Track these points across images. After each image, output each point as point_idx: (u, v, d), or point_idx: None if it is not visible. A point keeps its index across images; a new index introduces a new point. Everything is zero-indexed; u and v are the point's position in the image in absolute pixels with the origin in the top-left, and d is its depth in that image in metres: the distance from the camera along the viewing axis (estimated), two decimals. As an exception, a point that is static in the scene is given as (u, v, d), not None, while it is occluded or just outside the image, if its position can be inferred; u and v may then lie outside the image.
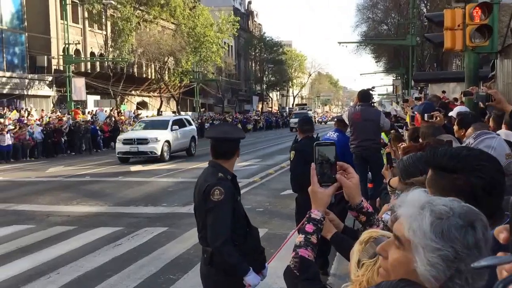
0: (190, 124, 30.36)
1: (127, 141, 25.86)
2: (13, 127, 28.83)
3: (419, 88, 34.98)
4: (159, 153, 25.41)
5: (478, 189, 1.92)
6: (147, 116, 44.43)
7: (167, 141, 26.18)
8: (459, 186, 1.91)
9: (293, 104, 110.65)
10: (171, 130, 26.74)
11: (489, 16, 9.67)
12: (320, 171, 2.24)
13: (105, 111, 41.31)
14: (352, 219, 3.11)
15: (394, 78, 65.00)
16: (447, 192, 1.81)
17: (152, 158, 25.38)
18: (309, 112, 69.44)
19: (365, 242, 1.94)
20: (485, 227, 1.46)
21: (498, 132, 3.89)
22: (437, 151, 2.07)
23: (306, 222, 2.22)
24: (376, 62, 68.97)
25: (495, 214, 1.93)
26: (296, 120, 55.23)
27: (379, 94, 77.35)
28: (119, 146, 26.00)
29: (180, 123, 28.43)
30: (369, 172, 9.82)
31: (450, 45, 9.99)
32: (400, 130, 11.03)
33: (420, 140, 5.23)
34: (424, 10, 43.49)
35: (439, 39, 11.48)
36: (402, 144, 6.01)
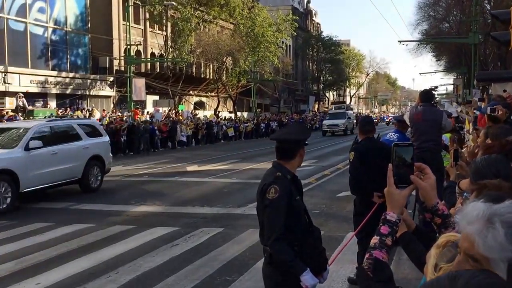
0: (94, 134, 17.55)
1: None
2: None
3: (481, 87, 33.98)
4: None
5: None
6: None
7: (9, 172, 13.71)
8: None
9: (349, 104, 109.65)
10: (27, 149, 14.37)
11: (558, 13, 9.23)
12: (396, 172, 2.20)
13: (164, 111, 41.89)
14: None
15: (455, 78, 63.48)
16: None
17: None
18: (348, 112, 58.34)
19: (442, 246, 1.87)
20: None
21: None
22: None
23: (381, 224, 2.18)
24: (436, 61, 67.56)
25: None
26: (329, 122, 52.96)
27: (438, 94, 75.70)
28: None
29: (63, 136, 16.23)
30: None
31: (517, 44, 9.59)
32: (461, 132, 10.70)
33: (489, 141, 5.00)
34: (488, 7, 42.19)
35: (505, 38, 11.06)
36: (470, 146, 5.79)
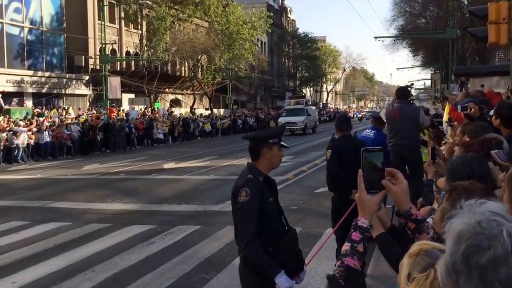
0: None
1: None
2: (52, 125, 29.24)
3: (459, 82, 34.18)
4: None
5: None
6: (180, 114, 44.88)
7: None
8: None
9: (326, 100, 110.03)
10: None
11: (535, 9, 9.32)
12: (367, 177, 2.14)
13: (140, 109, 41.84)
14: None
15: (433, 72, 63.96)
16: None
17: None
18: (309, 108, 50.26)
19: (415, 255, 1.80)
20: None
21: None
22: None
23: (352, 230, 2.13)
24: (413, 56, 68.08)
25: None
26: (286, 119, 45.26)
27: (416, 89, 76.22)
28: None
29: None
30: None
31: (494, 39, 9.66)
32: (440, 127, 10.75)
33: (466, 138, 5.02)
34: (465, 1, 42.52)
35: (482, 34, 11.13)
36: (446, 142, 5.81)
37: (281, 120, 46.54)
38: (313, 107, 54.69)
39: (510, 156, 2.66)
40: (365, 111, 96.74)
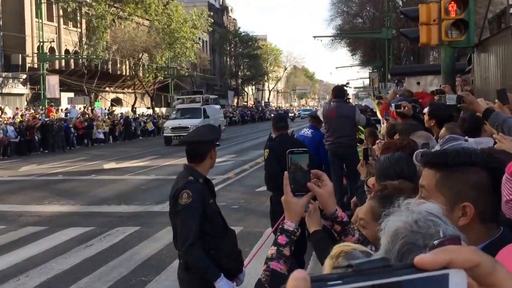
0: None
1: None
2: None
3: (395, 81, 34.94)
4: None
5: (496, 180, 1.90)
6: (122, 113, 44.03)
7: None
8: (478, 179, 1.85)
9: (268, 98, 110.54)
10: None
11: (465, 10, 9.59)
12: (293, 180, 2.12)
13: (80, 108, 41.07)
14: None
15: (371, 71, 65.19)
16: (476, 186, 1.81)
17: None
18: (209, 107, 37.96)
19: (336, 257, 1.81)
20: None
21: (468, 139, 3.77)
22: (448, 150, 2.01)
23: (278, 233, 2.12)
24: (352, 55, 69.12)
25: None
26: (176, 123, 33.95)
27: (355, 87, 77.37)
28: None
29: None
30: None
31: (425, 40, 9.90)
32: (377, 125, 10.97)
33: (397, 136, 5.13)
34: (400, 3, 43.55)
35: (414, 34, 11.38)
36: (379, 141, 5.92)
37: (168, 124, 35.90)
38: (217, 106, 41.68)
39: (423, 157, 2.72)
40: (300, 110, 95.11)
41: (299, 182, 2.12)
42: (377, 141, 6.45)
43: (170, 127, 34.75)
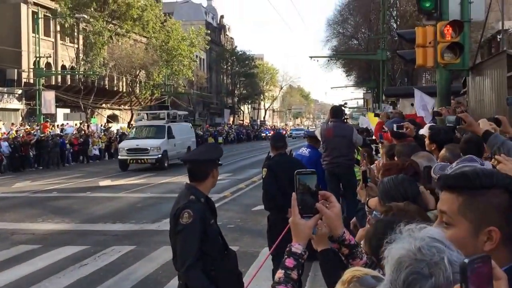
0: None
1: None
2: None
3: (389, 102, 35.12)
4: None
5: None
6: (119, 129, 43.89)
7: None
8: (501, 202, 1.77)
9: (264, 117, 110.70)
10: None
11: (460, 34, 9.68)
12: (301, 201, 2.10)
13: (76, 124, 40.97)
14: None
15: (365, 92, 65.50)
16: (500, 210, 1.72)
17: None
18: (175, 125, 32.40)
19: (348, 282, 1.78)
20: None
21: (485, 162, 3.74)
22: (467, 172, 1.89)
23: (286, 256, 2.08)
24: (346, 76, 69.49)
25: None
26: (133, 143, 29.10)
27: (350, 107, 77.70)
28: None
29: None
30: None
31: (421, 62, 10.01)
32: (372, 145, 10.96)
33: (396, 158, 5.11)
34: (394, 25, 43.90)
35: (410, 56, 11.49)
36: (378, 162, 5.90)
37: (124, 145, 30.13)
38: (186, 124, 35.55)
39: (441, 180, 2.70)
40: (292, 129, 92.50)
41: (307, 204, 2.10)
42: (376, 162, 6.44)
43: (125, 149, 29.16)
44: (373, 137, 11.38)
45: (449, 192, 1.81)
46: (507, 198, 1.76)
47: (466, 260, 1.19)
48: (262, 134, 73.82)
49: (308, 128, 66.67)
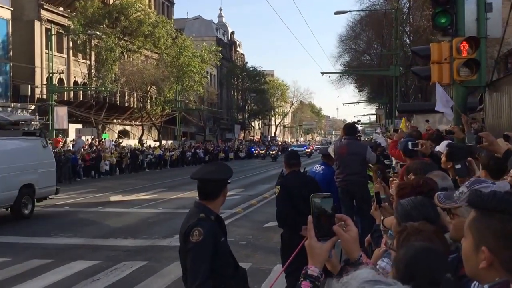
0: None
1: None
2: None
3: (403, 118, 34.91)
4: None
5: None
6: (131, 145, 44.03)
7: None
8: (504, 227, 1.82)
9: (274, 133, 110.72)
10: None
11: (476, 50, 9.60)
12: (317, 224, 2.08)
13: (87, 139, 41.26)
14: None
15: (377, 108, 65.38)
16: (497, 234, 1.79)
17: None
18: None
19: None
20: None
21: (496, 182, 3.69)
22: (483, 193, 1.96)
23: (302, 279, 2.05)
24: (359, 91, 69.39)
25: None
26: None
27: (362, 123, 77.52)
28: None
29: None
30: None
31: (437, 79, 9.88)
32: (386, 162, 10.91)
33: (412, 176, 5.05)
34: (408, 41, 43.82)
35: (425, 73, 11.40)
36: (393, 179, 5.84)
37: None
38: (35, 142, 18.81)
39: (448, 196, 2.69)
40: (293, 145, 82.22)
41: (323, 226, 2.08)
42: (391, 179, 6.38)
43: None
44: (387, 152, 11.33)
45: (469, 207, 1.95)
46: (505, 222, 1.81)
47: (486, 286, 1.17)
48: (271, 152, 63.02)
49: (320, 143, 63.77)
